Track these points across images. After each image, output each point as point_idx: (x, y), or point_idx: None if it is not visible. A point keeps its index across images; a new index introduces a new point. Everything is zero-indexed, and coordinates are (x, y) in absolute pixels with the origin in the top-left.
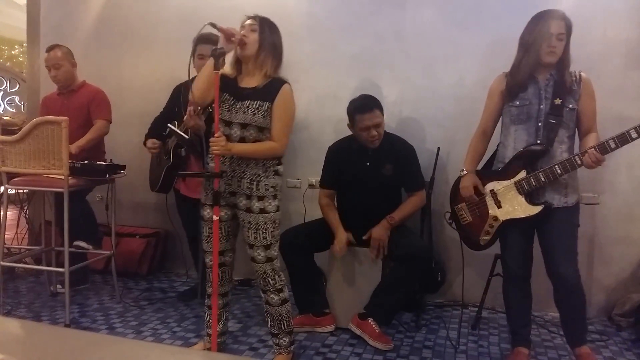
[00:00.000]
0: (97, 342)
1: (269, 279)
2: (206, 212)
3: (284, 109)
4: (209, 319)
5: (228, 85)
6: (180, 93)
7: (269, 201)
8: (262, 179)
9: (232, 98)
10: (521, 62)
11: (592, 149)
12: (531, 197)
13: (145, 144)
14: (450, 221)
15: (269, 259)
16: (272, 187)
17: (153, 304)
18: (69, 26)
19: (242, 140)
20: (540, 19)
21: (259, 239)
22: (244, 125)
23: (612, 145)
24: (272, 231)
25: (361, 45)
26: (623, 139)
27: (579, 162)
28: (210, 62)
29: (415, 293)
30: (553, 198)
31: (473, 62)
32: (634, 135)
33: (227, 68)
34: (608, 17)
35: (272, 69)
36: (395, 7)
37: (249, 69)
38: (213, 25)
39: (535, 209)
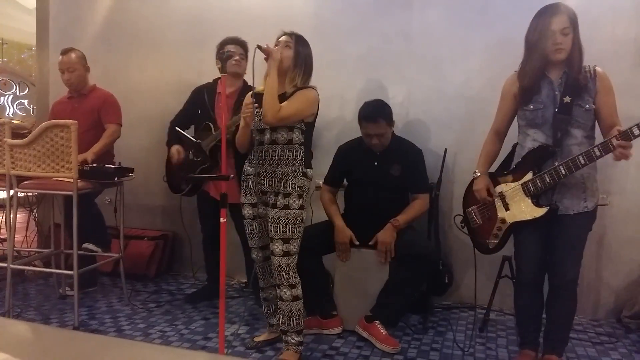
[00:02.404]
0: (106, 345)
1: (283, 273)
2: (246, 211)
3: (302, 93)
4: (267, 309)
5: (261, 100)
6: (204, 95)
7: (294, 199)
8: (289, 178)
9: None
10: (527, 63)
11: (614, 139)
12: (538, 199)
13: (169, 149)
14: (462, 225)
15: (286, 253)
16: (298, 187)
17: (161, 307)
18: (78, 30)
19: (274, 142)
20: (541, 16)
21: (279, 232)
22: (274, 129)
23: (636, 132)
24: (292, 227)
25: (368, 46)
26: None
27: (582, 161)
28: (240, 132)
29: (423, 295)
30: (573, 204)
31: (480, 62)
32: None
33: (261, 85)
34: (617, 16)
35: (301, 82)
36: (402, 8)
37: (280, 82)
38: (259, 47)
39: (541, 211)
